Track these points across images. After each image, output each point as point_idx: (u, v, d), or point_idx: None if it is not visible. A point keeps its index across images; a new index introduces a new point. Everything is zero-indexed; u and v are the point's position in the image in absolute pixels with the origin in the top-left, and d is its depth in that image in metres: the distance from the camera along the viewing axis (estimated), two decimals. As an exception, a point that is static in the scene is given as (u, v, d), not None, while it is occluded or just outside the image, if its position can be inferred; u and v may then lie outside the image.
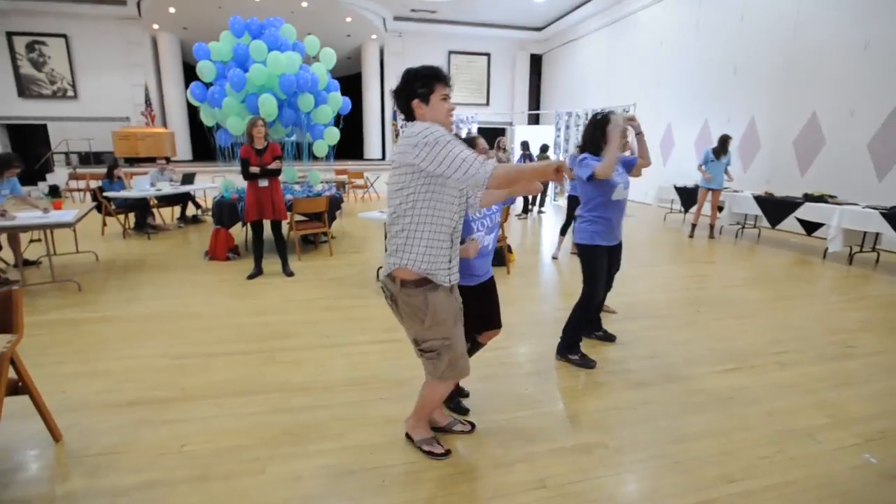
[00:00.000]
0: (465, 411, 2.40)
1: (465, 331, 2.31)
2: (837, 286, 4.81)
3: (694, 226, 7.31)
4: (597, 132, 2.75)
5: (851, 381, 2.76)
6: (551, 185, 11.39)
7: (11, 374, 2.02)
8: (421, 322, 1.77)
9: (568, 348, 2.97)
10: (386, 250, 1.83)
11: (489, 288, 2.32)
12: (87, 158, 13.30)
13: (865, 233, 5.60)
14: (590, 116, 2.90)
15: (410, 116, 1.77)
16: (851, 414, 2.40)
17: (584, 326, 3.02)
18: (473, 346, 2.43)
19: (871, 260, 5.72)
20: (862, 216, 5.39)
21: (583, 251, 2.89)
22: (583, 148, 2.86)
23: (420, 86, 1.70)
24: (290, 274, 4.92)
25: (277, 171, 4.62)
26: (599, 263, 2.85)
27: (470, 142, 2.20)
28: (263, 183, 4.56)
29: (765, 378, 2.78)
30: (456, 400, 2.45)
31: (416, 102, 1.72)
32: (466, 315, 2.28)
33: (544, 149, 9.11)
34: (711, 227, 7.28)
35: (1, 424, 2.17)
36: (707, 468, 1.98)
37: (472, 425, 2.25)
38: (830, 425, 2.30)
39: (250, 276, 4.83)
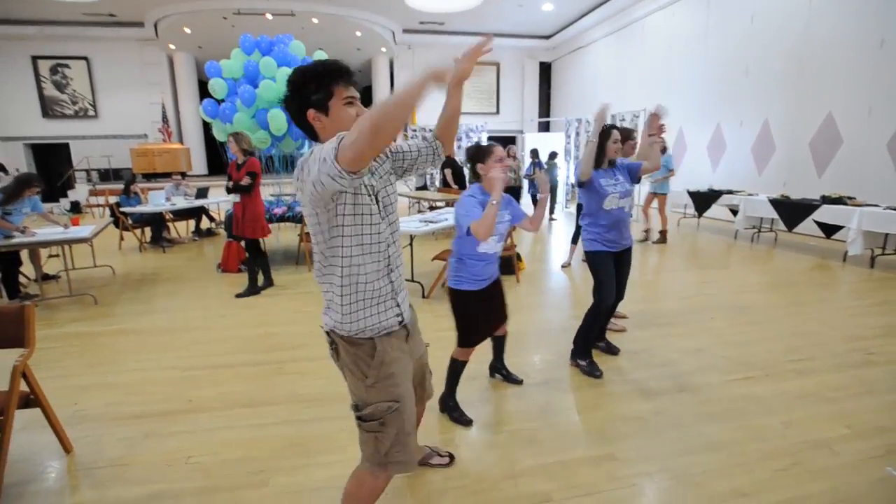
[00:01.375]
0: (468, 422, 2.39)
1: (481, 331, 2.37)
2: (858, 290, 4.66)
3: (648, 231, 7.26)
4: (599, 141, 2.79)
5: (873, 389, 2.65)
6: (562, 192, 11.33)
7: (24, 386, 2.06)
8: (363, 377, 1.35)
9: (578, 354, 2.98)
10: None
11: (496, 288, 2.43)
12: (107, 175, 13.69)
13: (887, 235, 5.44)
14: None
15: (311, 134, 1.33)
16: (872, 424, 2.31)
17: (595, 333, 2.99)
18: (496, 347, 2.78)
19: (893, 263, 5.54)
20: (883, 217, 5.23)
21: (587, 257, 2.94)
22: None
23: (313, 90, 1.26)
24: (251, 293, 4.67)
25: (246, 188, 4.47)
26: (603, 268, 2.85)
27: (486, 150, 2.23)
28: (235, 198, 4.55)
29: (781, 387, 2.70)
30: (459, 412, 2.44)
31: (311, 114, 1.28)
32: (476, 315, 2.32)
33: (552, 156, 9.08)
34: (663, 232, 7.10)
35: (15, 436, 2.23)
36: (718, 482, 1.91)
37: (451, 457, 2.07)
38: (850, 436, 2.21)
39: (240, 295, 4.65)
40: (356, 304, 1.33)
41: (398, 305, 1.41)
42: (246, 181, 4.45)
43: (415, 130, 12.69)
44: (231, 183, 4.49)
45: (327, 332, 1.42)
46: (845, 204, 5.77)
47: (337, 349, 1.40)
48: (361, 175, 1.13)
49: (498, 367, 2.86)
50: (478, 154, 2.26)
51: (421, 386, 1.64)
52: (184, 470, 2.06)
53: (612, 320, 3.58)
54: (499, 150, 2.24)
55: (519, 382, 2.80)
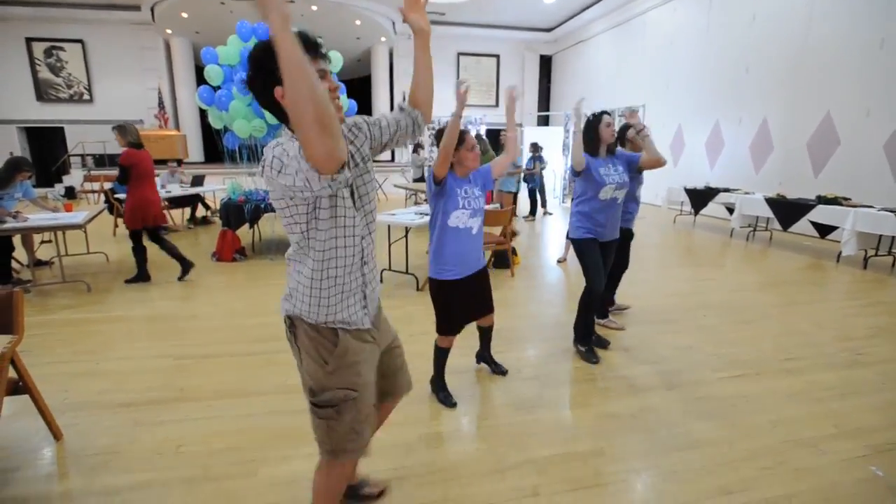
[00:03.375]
0: (452, 405, 2.47)
1: (457, 320, 2.39)
2: (850, 291, 4.69)
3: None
4: (590, 132, 2.82)
5: (861, 390, 2.68)
6: (559, 185, 11.32)
7: (12, 373, 2.05)
8: (323, 364, 1.29)
9: (578, 339, 3.08)
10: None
11: (482, 277, 2.46)
12: (102, 160, 13.55)
13: (881, 236, 5.47)
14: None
15: (278, 114, 1.18)
16: (859, 424, 2.33)
17: (591, 318, 3.05)
18: (483, 337, 2.81)
19: (886, 264, 5.57)
20: (877, 219, 5.25)
21: (573, 244, 2.99)
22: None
23: (278, 66, 1.00)
24: (138, 279, 4.80)
25: (120, 179, 4.53)
26: (589, 255, 2.89)
27: (458, 137, 2.22)
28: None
29: (770, 385, 2.72)
30: (445, 393, 2.50)
31: (279, 91, 1.12)
32: (461, 304, 2.35)
33: (536, 147, 8.98)
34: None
35: (5, 422, 2.23)
36: (705, 479, 1.93)
37: (382, 492, 1.83)
38: (837, 436, 2.23)
39: (129, 281, 4.78)
40: (325, 293, 1.27)
41: (365, 298, 1.36)
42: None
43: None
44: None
45: (287, 317, 1.34)
46: (840, 204, 5.79)
47: (296, 332, 1.33)
48: (344, 170, 1.06)
49: (484, 357, 2.89)
50: None
51: (394, 377, 1.57)
52: (173, 459, 2.06)
53: (610, 317, 3.62)
54: (470, 138, 2.27)
55: (504, 373, 2.83)
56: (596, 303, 3.02)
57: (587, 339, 3.05)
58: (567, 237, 5.72)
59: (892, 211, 5.20)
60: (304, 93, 0.93)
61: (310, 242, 1.25)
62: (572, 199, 3.03)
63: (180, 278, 4.86)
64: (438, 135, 2.27)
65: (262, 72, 1.13)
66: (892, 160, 6.20)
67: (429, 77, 1.40)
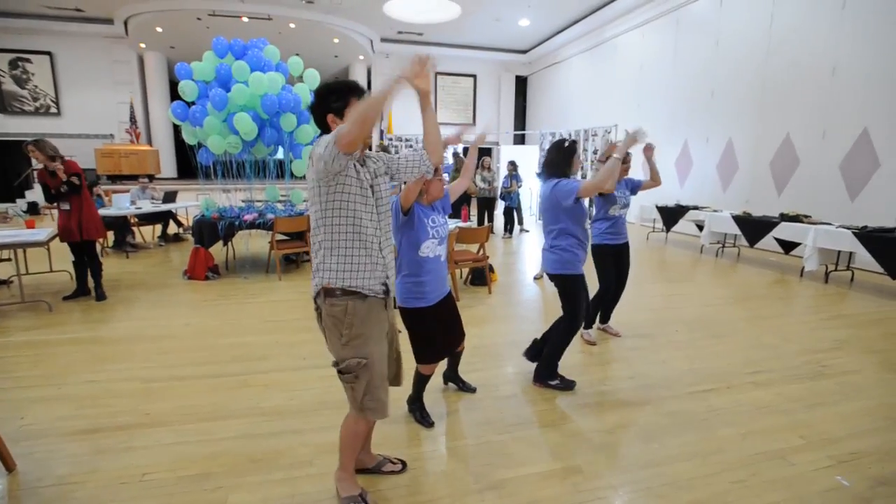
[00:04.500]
0: (430, 424, 2.45)
1: (439, 346, 2.37)
2: (813, 305, 4.88)
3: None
4: (562, 157, 2.75)
5: (825, 401, 2.77)
6: (535, 204, 11.49)
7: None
8: (339, 336, 1.66)
9: (546, 376, 2.89)
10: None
11: (449, 305, 2.40)
12: (69, 175, 13.10)
13: (840, 252, 5.72)
14: (554, 140, 2.98)
15: (324, 130, 1.71)
16: (824, 435, 2.40)
17: (560, 353, 2.90)
18: (452, 358, 2.75)
19: (846, 278, 5.83)
20: (835, 235, 5.51)
21: (566, 281, 2.80)
22: (548, 172, 2.80)
23: (335, 100, 1.66)
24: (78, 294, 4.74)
25: (76, 189, 4.46)
26: (582, 291, 2.85)
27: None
28: (65, 206, 4.45)
29: (740, 398, 2.78)
30: (422, 413, 2.48)
31: (330, 117, 1.67)
32: (442, 332, 2.31)
33: (514, 166, 9.19)
34: None
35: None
36: (680, 494, 1.95)
37: (403, 464, 2.09)
38: (804, 447, 2.30)
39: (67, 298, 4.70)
40: (350, 262, 1.63)
41: (388, 278, 1.73)
42: (75, 181, 4.41)
43: (390, 139, 12.69)
44: (55, 190, 4.36)
45: (314, 298, 1.70)
46: (801, 222, 6.05)
47: (320, 313, 1.70)
48: (353, 157, 1.58)
49: (452, 377, 2.85)
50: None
51: (392, 366, 1.91)
52: (138, 488, 1.96)
53: (587, 331, 3.68)
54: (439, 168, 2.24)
55: (473, 391, 2.81)
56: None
57: (554, 373, 2.89)
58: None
59: (848, 228, 5.47)
60: (369, 123, 1.46)
61: (327, 215, 1.61)
62: (545, 229, 2.92)
63: (65, 298, 4.70)
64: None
65: (323, 104, 1.68)
66: (847, 179, 6.55)
67: (431, 132, 1.73)
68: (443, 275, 2.34)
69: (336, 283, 1.63)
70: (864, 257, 5.42)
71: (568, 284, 2.80)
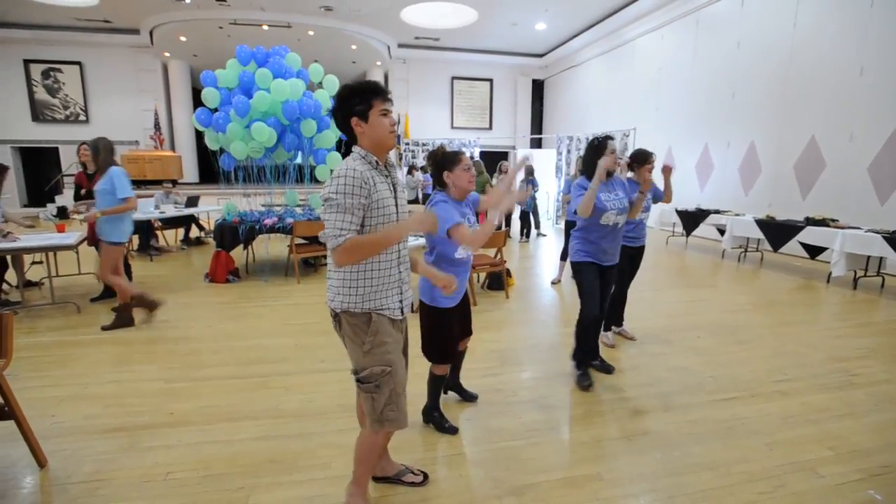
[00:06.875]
0: (453, 431, 2.43)
1: (454, 346, 2.38)
2: (841, 311, 4.73)
3: None
4: (589, 155, 2.85)
5: (855, 411, 2.68)
6: (551, 207, 11.43)
7: (-2, 398, 2.01)
8: (361, 344, 1.62)
9: (576, 363, 3.05)
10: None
11: (465, 300, 2.45)
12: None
13: (869, 257, 5.55)
14: (588, 140, 3.04)
15: (350, 136, 1.65)
16: (855, 447, 2.32)
17: (587, 344, 3.00)
18: (457, 357, 2.66)
19: (876, 284, 5.64)
20: (864, 240, 5.34)
21: (572, 267, 3.01)
22: (584, 170, 2.91)
23: (357, 102, 1.57)
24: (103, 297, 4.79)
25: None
26: (585, 279, 2.90)
27: (453, 157, 2.22)
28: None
29: (766, 407, 2.71)
30: (444, 420, 2.46)
31: (354, 121, 1.58)
32: (452, 332, 2.34)
33: (530, 171, 9.12)
34: None
35: (-14, 450, 2.17)
36: None
37: (425, 475, 2.04)
38: (833, 458, 2.22)
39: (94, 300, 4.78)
40: (367, 286, 1.61)
41: (401, 293, 1.71)
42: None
43: (407, 143, 12.78)
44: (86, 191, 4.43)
45: (333, 311, 1.67)
46: (828, 226, 5.88)
47: (340, 321, 1.65)
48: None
49: (453, 386, 2.75)
50: (444, 161, 2.20)
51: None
52: (162, 486, 2.01)
53: (624, 327, 3.76)
54: (465, 158, 2.22)
55: (474, 399, 2.75)
56: (591, 329, 2.98)
57: (581, 364, 3.02)
58: (560, 258, 5.78)
59: (878, 232, 5.30)
60: (367, 253, 1.55)
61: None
62: (566, 222, 3.09)
63: (93, 299, 4.77)
64: (430, 156, 2.28)
65: (346, 106, 1.59)
66: (876, 182, 6.35)
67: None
68: (466, 276, 2.36)
69: (353, 309, 1.61)
70: (895, 262, 5.24)
71: (574, 270, 2.99)
